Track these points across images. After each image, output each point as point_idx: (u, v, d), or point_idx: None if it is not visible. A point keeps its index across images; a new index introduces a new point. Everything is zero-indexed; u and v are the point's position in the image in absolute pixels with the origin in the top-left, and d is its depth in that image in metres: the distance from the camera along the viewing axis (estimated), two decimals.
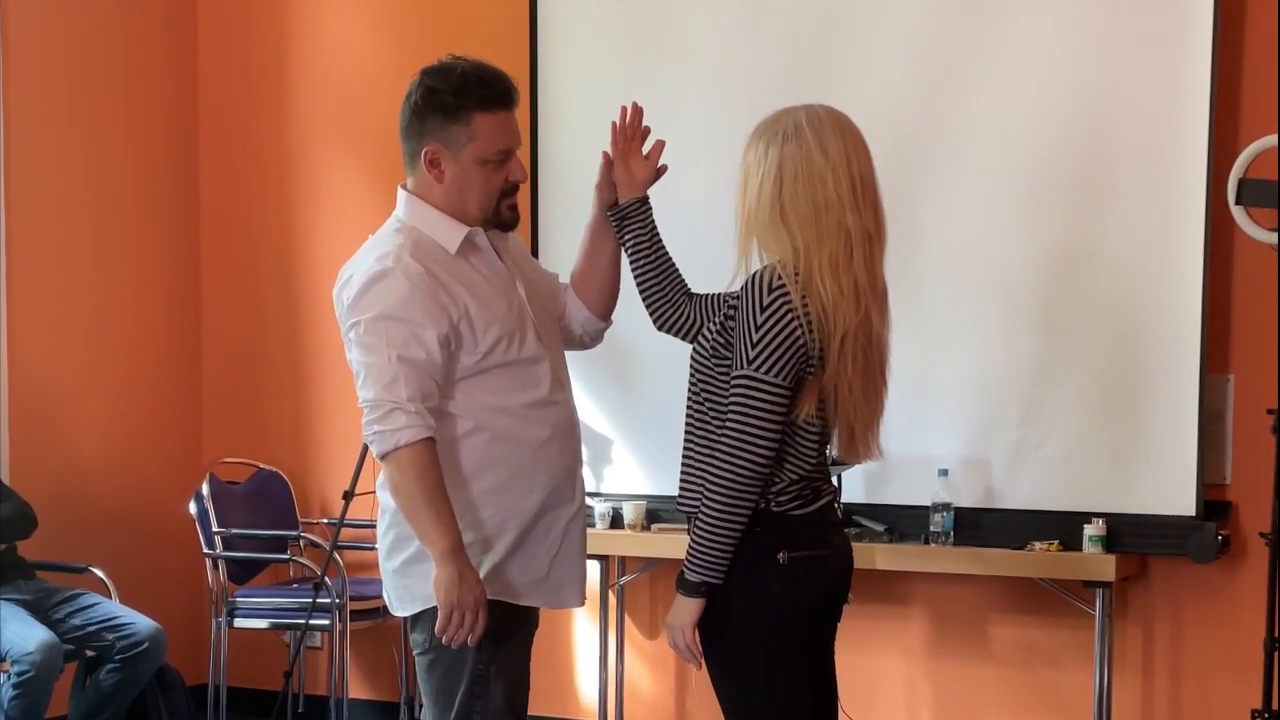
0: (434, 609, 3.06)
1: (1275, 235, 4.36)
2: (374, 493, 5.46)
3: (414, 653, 3.24)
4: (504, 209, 3.16)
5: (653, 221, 3.22)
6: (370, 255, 3.13)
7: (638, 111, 3.27)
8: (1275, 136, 4.38)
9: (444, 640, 3.04)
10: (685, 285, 3.23)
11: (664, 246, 3.23)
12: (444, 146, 3.09)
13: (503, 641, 3.14)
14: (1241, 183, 4.38)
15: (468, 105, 3.06)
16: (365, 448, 5.38)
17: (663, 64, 5.25)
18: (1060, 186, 4.78)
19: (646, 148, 3.25)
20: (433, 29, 5.88)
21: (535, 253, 5.49)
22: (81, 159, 5.90)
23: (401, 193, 3.22)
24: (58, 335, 5.79)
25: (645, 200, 3.21)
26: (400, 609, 3.25)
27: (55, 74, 5.77)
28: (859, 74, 4.94)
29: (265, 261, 6.22)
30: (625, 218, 3.21)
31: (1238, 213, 4.40)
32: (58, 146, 5.79)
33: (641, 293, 3.23)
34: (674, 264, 3.23)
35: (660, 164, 3.25)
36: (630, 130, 3.24)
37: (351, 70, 6.03)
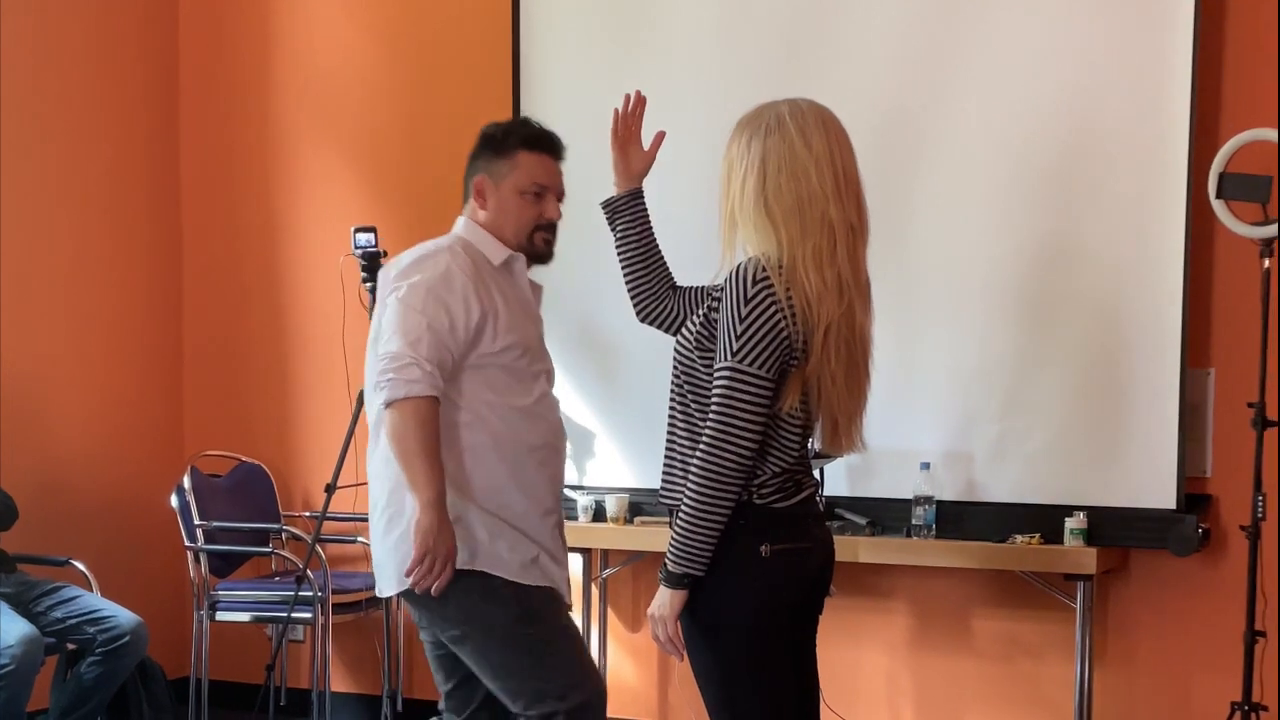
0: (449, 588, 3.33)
1: (1255, 229, 4.37)
2: (355, 486, 5.51)
3: (445, 634, 3.47)
4: (538, 240, 3.49)
5: (645, 214, 3.23)
6: (425, 246, 3.48)
7: (640, 100, 3.29)
8: (1256, 131, 4.40)
9: (411, 583, 3.28)
10: (671, 279, 3.24)
11: (654, 240, 3.24)
12: (489, 177, 3.49)
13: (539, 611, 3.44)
14: (1222, 177, 4.39)
15: (512, 143, 3.48)
16: (348, 441, 5.37)
17: (646, 59, 5.25)
18: (1042, 181, 4.79)
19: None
20: (415, 25, 5.87)
21: None
22: (62, 153, 5.88)
23: (458, 219, 3.58)
24: (38, 328, 5.77)
25: (639, 193, 3.22)
26: (393, 587, 3.45)
27: (34, 66, 5.75)
28: (841, 69, 4.94)
29: (247, 255, 6.21)
30: (618, 210, 3.22)
31: (1219, 207, 4.41)
32: (38, 140, 5.77)
33: (628, 284, 3.24)
34: (662, 257, 3.24)
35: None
36: (632, 119, 3.26)
37: (334, 63, 6.02)
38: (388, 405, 3.28)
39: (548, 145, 3.51)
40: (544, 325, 3.63)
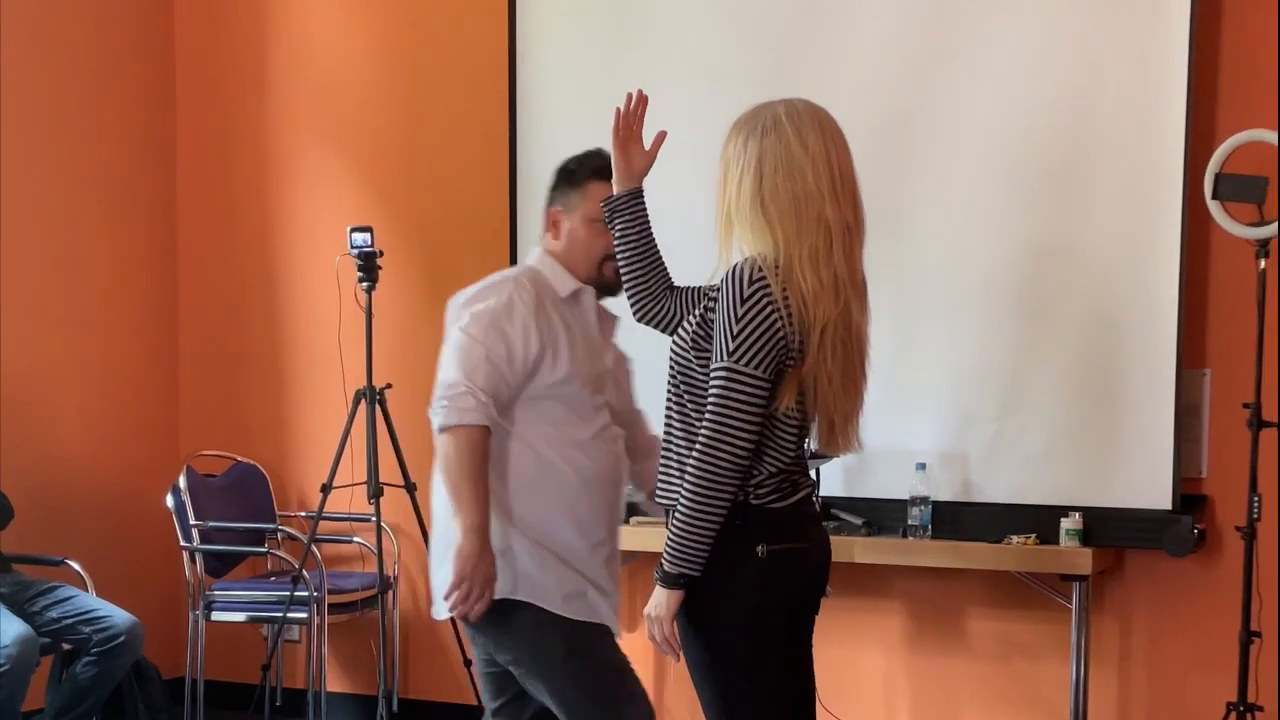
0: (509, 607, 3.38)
1: (1251, 230, 4.38)
2: (350, 486, 5.51)
3: (501, 658, 3.50)
4: (607, 270, 3.47)
5: (645, 214, 3.23)
6: (494, 275, 3.55)
7: (643, 100, 3.28)
8: (1252, 132, 4.40)
9: (449, 606, 3.34)
10: (669, 279, 3.24)
11: (653, 240, 3.24)
12: (563, 208, 3.53)
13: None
14: (1218, 177, 4.39)
15: (584, 173, 3.50)
16: (343, 441, 5.38)
17: (642, 60, 5.24)
18: (1038, 181, 4.79)
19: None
20: (411, 25, 5.87)
21: (514, 251, 5.48)
22: (58, 152, 5.88)
23: (532, 249, 3.65)
24: (34, 328, 5.77)
25: (639, 192, 3.22)
26: (444, 611, 3.45)
27: (30, 64, 5.75)
28: (837, 69, 4.94)
29: (242, 254, 6.20)
30: (617, 209, 3.22)
31: (1214, 207, 4.41)
32: (34, 141, 5.76)
33: (625, 285, 3.24)
34: (660, 257, 3.24)
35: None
36: (634, 118, 3.26)
37: (330, 63, 6.02)
38: (440, 432, 3.33)
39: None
40: (612, 354, 3.63)
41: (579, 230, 3.49)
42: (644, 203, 3.23)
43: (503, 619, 3.39)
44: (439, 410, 3.33)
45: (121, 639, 5.00)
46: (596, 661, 3.45)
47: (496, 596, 3.34)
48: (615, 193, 3.24)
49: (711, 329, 2.88)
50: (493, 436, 3.35)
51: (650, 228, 3.24)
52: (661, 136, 3.28)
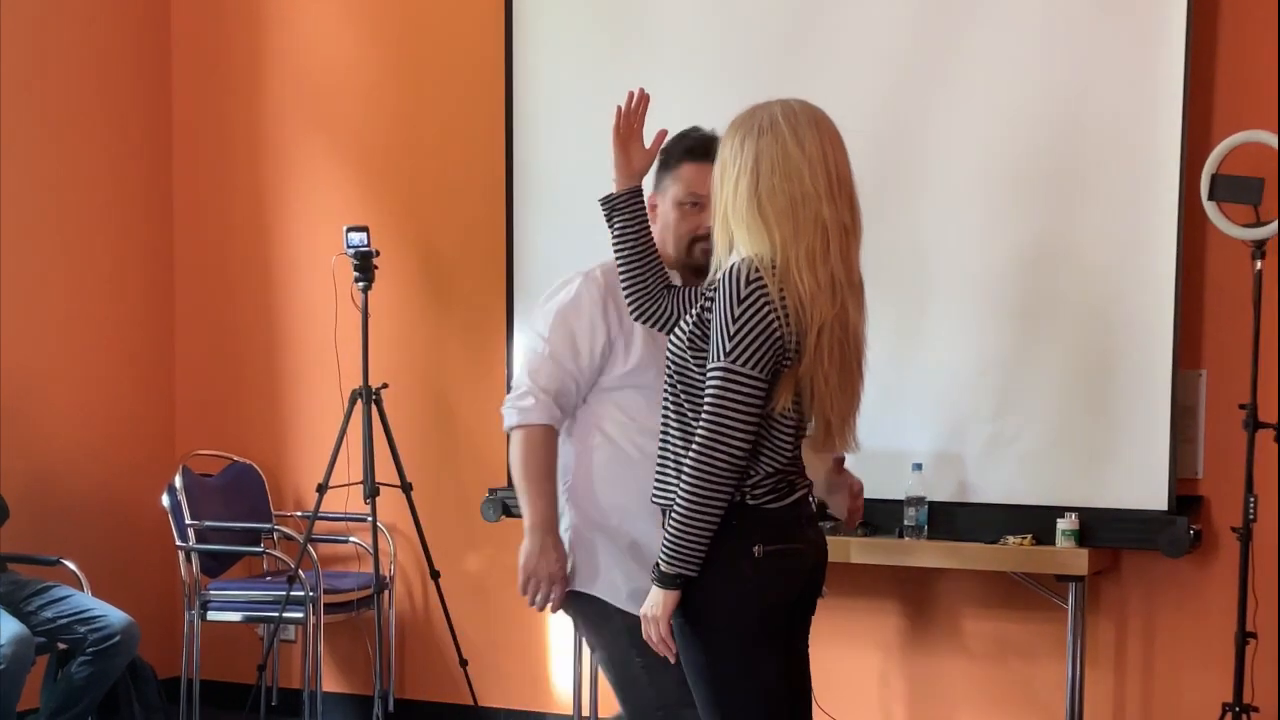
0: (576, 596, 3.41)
1: (1247, 231, 4.38)
2: (346, 485, 5.51)
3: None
4: (697, 251, 3.41)
5: (644, 212, 3.22)
6: (572, 272, 3.50)
7: (644, 98, 3.27)
8: (1248, 133, 4.41)
9: (529, 599, 3.39)
10: (667, 278, 3.24)
11: (652, 238, 3.23)
12: (660, 193, 3.47)
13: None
14: (1214, 178, 4.40)
15: (677, 155, 3.43)
16: (339, 440, 5.38)
17: (638, 60, 5.24)
18: (1034, 182, 4.79)
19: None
20: (408, 24, 5.87)
21: (510, 251, 5.48)
22: (53, 152, 5.87)
23: None
24: (30, 328, 5.76)
25: (638, 190, 3.22)
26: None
27: (27, 63, 5.74)
28: (834, 70, 4.94)
29: (239, 253, 6.20)
30: (616, 207, 3.21)
31: (1210, 208, 4.42)
32: (30, 141, 5.76)
33: (623, 283, 3.23)
34: (658, 256, 3.23)
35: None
36: (635, 116, 3.25)
37: (326, 63, 6.01)
38: (507, 433, 3.39)
39: (702, 151, 3.35)
40: None
41: (669, 215, 3.43)
42: (643, 201, 3.23)
43: (578, 611, 3.44)
44: (505, 413, 3.38)
45: (117, 638, 5.00)
46: (655, 658, 3.44)
47: (574, 589, 3.39)
48: (615, 191, 3.23)
49: (708, 329, 2.88)
50: (573, 429, 3.39)
51: (649, 226, 3.24)
52: (662, 135, 3.28)
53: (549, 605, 3.39)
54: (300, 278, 6.05)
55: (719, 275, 2.89)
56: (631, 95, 3.27)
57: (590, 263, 3.45)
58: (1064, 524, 4.65)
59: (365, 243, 5.31)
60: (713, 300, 2.88)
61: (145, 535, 6.02)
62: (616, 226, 3.23)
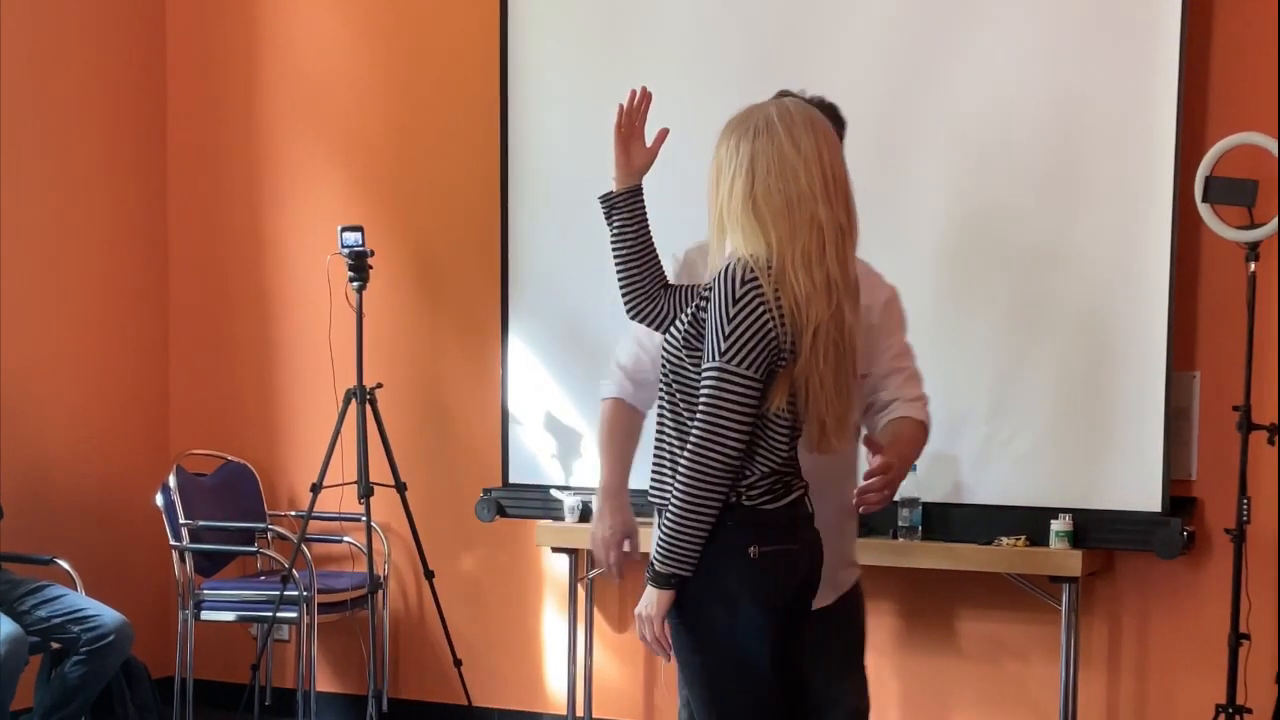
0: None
1: (1241, 233, 4.39)
2: (341, 485, 5.50)
3: None
4: None
5: (643, 212, 3.21)
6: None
7: (646, 96, 3.25)
8: (1242, 135, 4.41)
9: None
10: (664, 278, 3.23)
11: (650, 238, 3.22)
12: None
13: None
14: (1208, 180, 4.40)
15: None
16: (334, 440, 5.37)
17: (633, 60, 5.24)
18: (1028, 184, 4.79)
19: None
20: (403, 24, 5.87)
21: (505, 251, 5.47)
22: (48, 153, 5.86)
23: None
24: (24, 327, 5.75)
25: (638, 189, 3.20)
26: None
27: (21, 63, 5.73)
28: (828, 71, 4.93)
29: (233, 254, 6.19)
30: (615, 205, 3.20)
31: (1205, 210, 4.42)
32: (25, 140, 5.75)
33: (620, 282, 3.22)
34: (656, 256, 3.22)
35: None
36: (636, 114, 3.23)
37: (321, 62, 6.01)
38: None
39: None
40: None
41: None
42: (643, 200, 3.21)
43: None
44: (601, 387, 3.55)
45: (111, 638, 5.00)
46: None
47: None
48: (614, 189, 3.22)
49: (703, 328, 2.88)
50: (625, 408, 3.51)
51: (648, 225, 3.23)
52: (663, 134, 3.26)
53: (614, 574, 3.54)
54: (295, 277, 6.04)
55: (714, 275, 2.90)
56: (634, 93, 3.25)
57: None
58: (1058, 525, 4.66)
59: (360, 242, 5.31)
60: (708, 300, 2.88)
61: (139, 535, 6.01)
62: (615, 225, 3.22)
